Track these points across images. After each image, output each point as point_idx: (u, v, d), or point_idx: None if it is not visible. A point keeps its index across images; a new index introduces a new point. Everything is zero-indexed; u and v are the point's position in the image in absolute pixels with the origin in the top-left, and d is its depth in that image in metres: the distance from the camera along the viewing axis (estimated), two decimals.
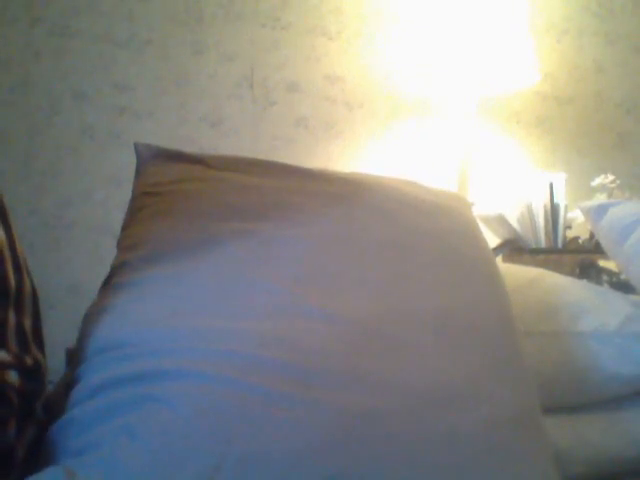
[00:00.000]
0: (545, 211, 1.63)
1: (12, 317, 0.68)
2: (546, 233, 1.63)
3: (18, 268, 0.70)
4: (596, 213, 1.18)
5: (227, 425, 0.60)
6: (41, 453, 0.65)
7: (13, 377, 0.65)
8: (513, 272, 1.08)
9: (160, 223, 0.79)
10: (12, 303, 0.68)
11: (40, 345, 0.72)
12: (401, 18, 1.87)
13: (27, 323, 0.70)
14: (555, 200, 1.63)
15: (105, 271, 0.80)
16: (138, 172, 0.89)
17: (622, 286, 1.31)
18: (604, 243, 1.19)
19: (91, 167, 1.76)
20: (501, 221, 1.63)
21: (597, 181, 1.62)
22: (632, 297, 1.07)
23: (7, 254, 0.69)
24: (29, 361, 0.68)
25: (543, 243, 1.63)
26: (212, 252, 0.75)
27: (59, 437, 0.64)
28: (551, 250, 1.61)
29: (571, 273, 1.46)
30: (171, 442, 0.59)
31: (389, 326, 0.71)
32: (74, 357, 0.72)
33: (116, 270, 0.77)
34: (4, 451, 0.64)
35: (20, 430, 0.66)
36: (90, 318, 0.73)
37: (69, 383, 0.70)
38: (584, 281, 1.23)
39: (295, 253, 0.76)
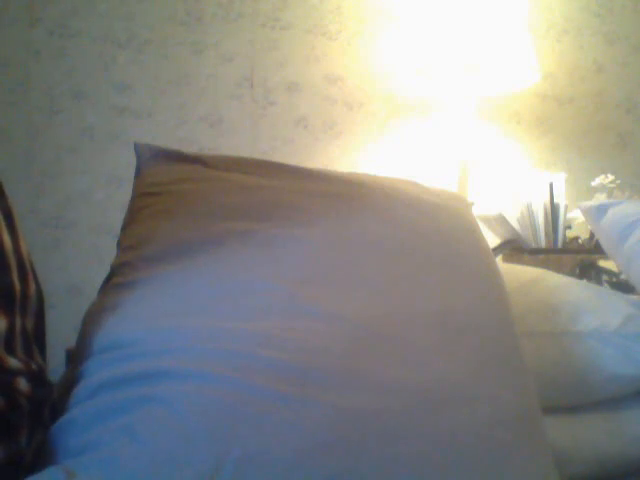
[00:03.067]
0: (545, 211, 1.62)
1: (18, 323, 0.67)
2: (546, 233, 1.63)
3: (23, 272, 0.70)
4: (596, 213, 1.18)
5: (227, 425, 0.60)
6: (42, 454, 0.65)
7: (23, 384, 0.65)
8: (513, 272, 1.08)
9: (160, 223, 0.79)
10: (18, 309, 0.68)
11: (42, 348, 0.72)
12: (401, 18, 1.87)
13: (29, 326, 0.70)
14: (555, 200, 1.63)
15: (105, 271, 0.80)
16: (138, 172, 0.89)
17: (622, 286, 1.31)
18: (604, 243, 1.19)
19: (91, 167, 1.76)
20: (501, 221, 1.63)
21: (597, 181, 1.62)
22: (632, 297, 1.07)
23: (12, 260, 0.69)
24: (34, 367, 0.68)
25: (543, 243, 1.63)
26: (212, 252, 0.75)
27: (59, 437, 0.64)
28: (551, 250, 1.61)
29: (571, 273, 1.46)
30: (171, 442, 0.58)
31: (389, 326, 0.71)
32: (74, 357, 0.72)
33: (116, 270, 0.77)
34: (15, 458, 0.64)
35: (31, 437, 0.66)
36: (90, 318, 0.73)
37: (70, 383, 0.70)
38: (584, 281, 1.22)
39: (295, 253, 0.76)
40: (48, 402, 0.70)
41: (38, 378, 0.68)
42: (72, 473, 0.58)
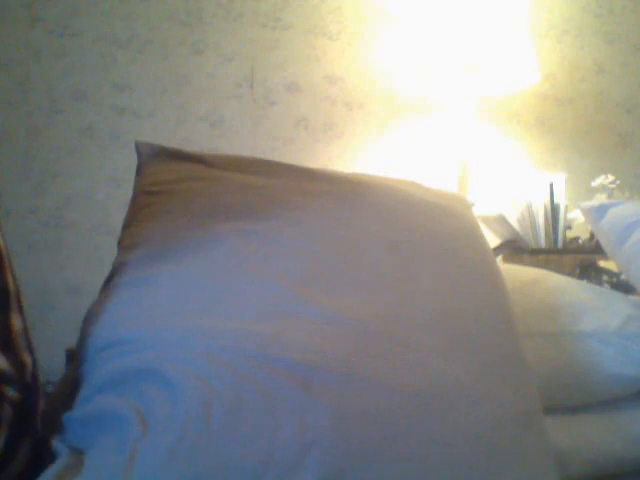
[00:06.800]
0: (545, 211, 1.63)
1: (17, 322, 0.67)
2: (546, 233, 1.63)
3: (2, 268, 0.69)
4: (596, 213, 1.18)
5: (230, 426, 0.60)
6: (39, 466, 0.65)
7: (10, 392, 0.64)
8: (513, 272, 1.08)
9: (161, 222, 0.79)
10: (16, 307, 0.67)
11: (29, 347, 0.71)
12: (401, 18, 1.87)
13: (16, 324, 0.69)
14: (555, 200, 1.63)
15: (105, 271, 0.80)
16: (139, 171, 0.88)
17: (622, 286, 1.31)
18: (604, 243, 1.19)
19: (91, 167, 1.76)
20: (501, 221, 1.63)
21: (597, 181, 1.62)
22: (632, 297, 1.07)
23: (5, 259, 0.68)
24: (30, 366, 0.67)
25: (543, 243, 1.63)
26: (213, 251, 0.75)
27: (71, 432, 0.65)
28: (551, 250, 1.61)
29: (571, 273, 1.46)
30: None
31: (390, 327, 0.71)
32: (75, 356, 0.72)
33: (117, 269, 0.77)
34: None
35: (12, 444, 0.65)
36: (91, 317, 0.73)
37: (71, 383, 0.70)
38: (584, 281, 1.22)
39: (296, 253, 0.76)
40: (39, 409, 0.69)
41: (31, 381, 0.67)
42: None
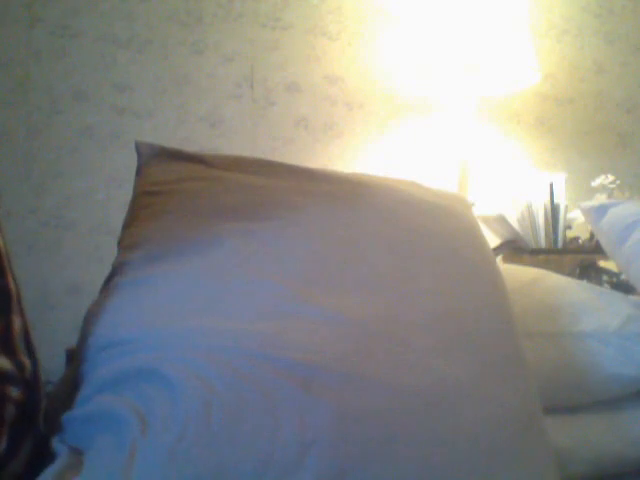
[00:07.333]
0: (545, 211, 1.63)
1: (17, 323, 0.67)
2: (546, 233, 1.63)
3: (2, 270, 0.69)
4: (596, 213, 1.18)
5: (231, 426, 0.60)
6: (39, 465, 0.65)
7: (14, 391, 0.64)
8: (513, 272, 1.08)
9: (161, 222, 0.79)
10: (16, 309, 0.67)
11: (29, 348, 0.70)
12: (401, 18, 1.87)
13: (17, 325, 0.68)
14: (555, 200, 1.64)
15: (105, 271, 0.80)
16: (139, 171, 0.89)
17: (622, 286, 1.31)
18: (604, 243, 1.19)
19: (91, 167, 1.76)
20: (501, 221, 1.63)
21: (597, 181, 1.62)
22: (632, 297, 1.08)
23: (6, 261, 0.68)
24: (29, 367, 0.67)
25: (543, 243, 1.63)
26: (213, 251, 0.75)
27: (71, 432, 0.65)
28: (551, 250, 1.61)
29: (571, 273, 1.46)
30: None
31: (390, 327, 0.71)
32: (76, 356, 0.72)
33: (117, 269, 0.77)
34: None
35: (14, 444, 0.65)
36: (91, 317, 0.73)
37: (71, 382, 0.70)
38: (584, 281, 1.23)
39: (296, 253, 0.76)
40: (41, 409, 0.69)
41: (32, 381, 0.67)
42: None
